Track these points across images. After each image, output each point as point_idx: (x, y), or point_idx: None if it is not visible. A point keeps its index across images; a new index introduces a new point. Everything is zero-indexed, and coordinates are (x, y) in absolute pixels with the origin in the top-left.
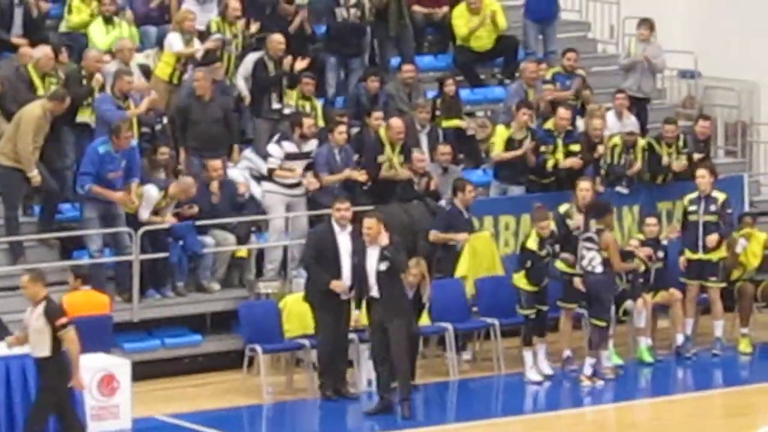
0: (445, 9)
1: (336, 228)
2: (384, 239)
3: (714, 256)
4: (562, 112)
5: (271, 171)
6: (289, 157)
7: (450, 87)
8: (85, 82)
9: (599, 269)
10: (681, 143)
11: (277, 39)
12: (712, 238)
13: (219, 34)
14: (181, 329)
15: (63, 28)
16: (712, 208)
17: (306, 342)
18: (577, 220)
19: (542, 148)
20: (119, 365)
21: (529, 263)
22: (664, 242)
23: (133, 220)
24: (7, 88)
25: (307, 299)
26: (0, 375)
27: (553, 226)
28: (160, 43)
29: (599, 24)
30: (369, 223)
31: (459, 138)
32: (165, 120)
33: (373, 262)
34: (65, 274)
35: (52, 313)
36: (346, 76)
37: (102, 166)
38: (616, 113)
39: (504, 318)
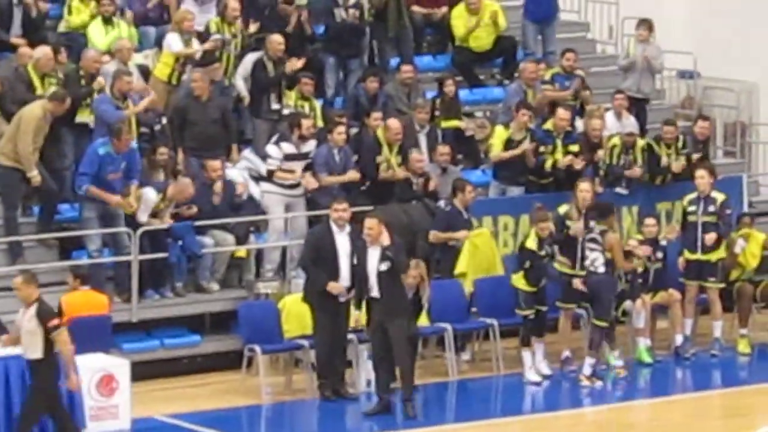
0: (444, 9)
1: (334, 228)
2: (385, 239)
3: (713, 257)
4: (562, 113)
5: (271, 172)
6: (288, 158)
7: (450, 87)
8: (83, 82)
9: (601, 269)
10: (680, 144)
11: (276, 39)
12: (711, 237)
13: (218, 35)
14: (180, 329)
15: (62, 28)
16: (711, 208)
17: (305, 342)
18: (577, 229)
19: (541, 149)
20: (118, 365)
21: (528, 264)
22: (663, 242)
23: (132, 221)
24: (7, 89)
25: (306, 300)
26: None
27: (552, 227)
28: (159, 44)
29: (598, 24)
30: (370, 223)
31: (458, 138)
32: (164, 120)
33: (374, 263)
34: (64, 274)
35: (45, 314)
36: (345, 76)
37: (102, 168)
38: (615, 114)
39: (503, 318)
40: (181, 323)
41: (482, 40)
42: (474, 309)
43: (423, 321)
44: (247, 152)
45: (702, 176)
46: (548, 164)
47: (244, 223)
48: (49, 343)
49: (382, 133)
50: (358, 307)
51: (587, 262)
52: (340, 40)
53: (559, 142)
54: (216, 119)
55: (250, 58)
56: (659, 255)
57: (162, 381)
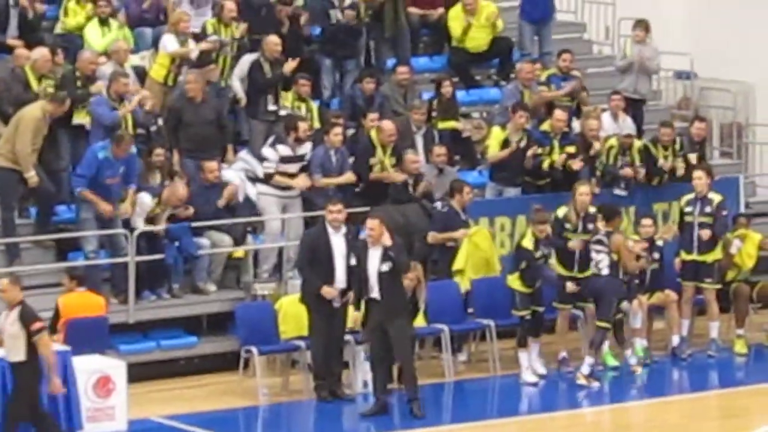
0: (441, 10)
1: (330, 230)
2: (387, 240)
3: (709, 258)
4: (559, 114)
5: (268, 176)
6: (284, 160)
7: (447, 88)
8: (79, 83)
9: (605, 271)
10: (677, 146)
11: (273, 41)
12: (706, 232)
13: (215, 36)
14: (177, 331)
15: (58, 29)
16: (708, 209)
17: (302, 343)
18: (575, 244)
19: (539, 150)
20: (115, 367)
21: (523, 264)
22: (659, 243)
23: (128, 222)
24: (3, 90)
25: (303, 301)
26: None
27: (549, 229)
28: (155, 45)
29: (594, 25)
30: (372, 224)
31: (454, 139)
32: (160, 122)
33: (375, 263)
34: (61, 275)
35: (28, 317)
36: (341, 77)
37: (100, 171)
38: (611, 114)
39: (499, 319)
40: (177, 324)
41: (478, 41)
42: (470, 310)
43: (420, 322)
44: (244, 153)
45: (699, 177)
46: (545, 164)
47: (241, 224)
48: (31, 346)
49: (375, 134)
50: (358, 307)
51: (591, 264)
52: (336, 41)
53: (556, 143)
54: (211, 120)
55: (247, 59)
56: (656, 256)
57: (159, 382)
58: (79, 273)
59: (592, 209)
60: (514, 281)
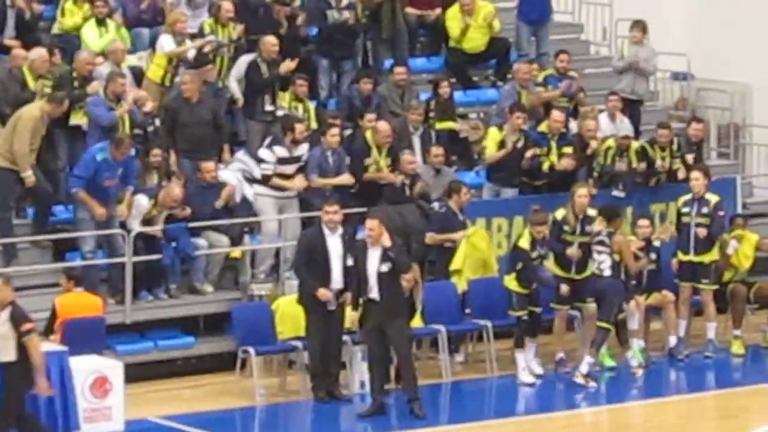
0: (438, 11)
1: (326, 231)
2: (387, 240)
3: (706, 258)
4: (556, 115)
5: (266, 177)
6: (281, 161)
7: (444, 89)
8: (76, 83)
9: (608, 272)
10: (675, 147)
11: (270, 41)
12: (702, 231)
13: (212, 36)
14: (174, 331)
15: (55, 30)
16: (705, 210)
17: (299, 344)
18: (573, 252)
19: (537, 151)
20: (112, 367)
21: (519, 265)
22: (656, 243)
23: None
24: (0, 90)
25: (300, 302)
26: None
27: (547, 231)
28: (152, 45)
29: (592, 26)
30: (371, 224)
31: (452, 140)
32: (157, 122)
33: (374, 263)
34: (58, 276)
35: (18, 318)
36: (338, 78)
37: (98, 173)
38: (609, 115)
39: (496, 320)
40: (174, 325)
41: (476, 42)
42: (468, 310)
43: (417, 322)
44: (241, 154)
45: (697, 178)
46: (545, 167)
47: (238, 225)
48: (22, 347)
49: (371, 135)
50: (356, 308)
51: (593, 265)
52: (333, 41)
53: (553, 144)
54: (207, 121)
55: (244, 59)
56: (653, 256)
57: (156, 383)
58: (76, 273)
59: (591, 211)
60: (510, 282)
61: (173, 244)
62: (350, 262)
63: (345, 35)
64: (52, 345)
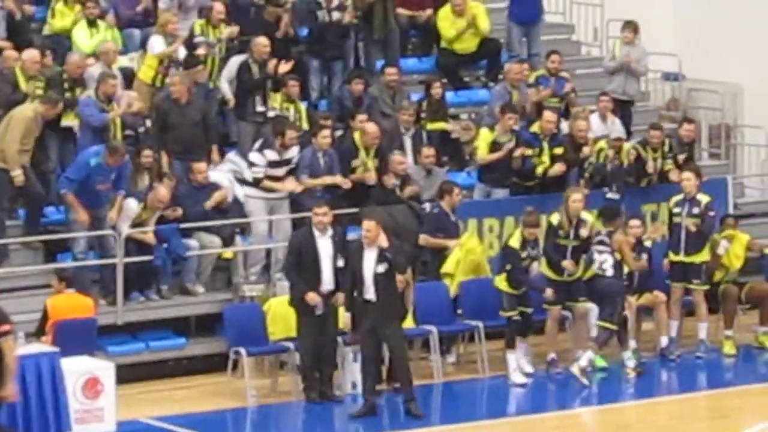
0: (429, 12)
1: (316, 232)
2: (384, 241)
3: (697, 259)
4: (549, 115)
5: (257, 180)
6: (272, 164)
7: (436, 90)
8: (66, 85)
9: (610, 272)
10: (666, 148)
11: (261, 42)
12: (691, 224)
13: (202, 37)
14: (166, 332)
15: (46, 31)
16: (695, 210)
17: (290, 345)
18: (568, 265)
19: (528, 152)
20: (103, 368)
21: (509, 266)
22: (647, 244)
23: None
24: None
25: (292, 304)
26: None
27: (541, 235)
28: (144, 46)
29: (583, 26)
30: (368, 225)
31: (443, 140)
32: (148, 123)
33: (370, 264)
34: (50, 277)
35: None
36: (328, 79)
37: (90, 177)
38: (600, 115)
39: (488, 320)
40: (166, 326)
41: (467, 43)
42: (459, 311)
43: (408, 323)
44: (232, 155)
45: (688, 178)
46: (539, 170)
47: (230, 225)
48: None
49: (359, 136)
50: (348, 309)
51: (595, 265)
52: (324, 42)
53: (545, 145)
54: (197, 122)
55: (235, 60)
56: (644, 257)
57: (147, 383)
58: (67, 274)
59: (584, 215)
60: (501, 282)
61: (165, 245)
62: (341, 263)
63: (335, 36)
64: (44, 346)
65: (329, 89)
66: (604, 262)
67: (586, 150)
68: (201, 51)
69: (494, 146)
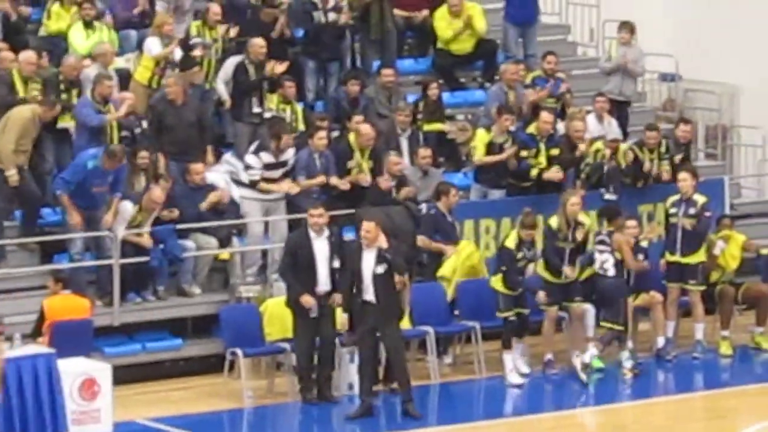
0: (425, 12)
1: (311, 234)
2: (383, 242)
3: (693, 259)
4: (546, 116)
5: (253, 183)
6: (268, 167)
7: (434, 90)
8: (62, 87)
9: (611, 272)
10: (663, 149)
11: (258, 43)
12: (688, 223)
13: (199, 39)
14: (162, 333)
15: (42, 32)
16: (692, 211)
17: (287, 346)
18: (567, 272)
19: (524, 153)
20: (100, 369)
21: (504, 267)
22: (644, 244)
23: None
24: None
25: (289, 305)
26: None
27: (537, 236)
28: (140, 47)
29: (579, 27)
30: (368, 226)
31: (440, 141)
32: (144, 124)
33: (369, 265)
34: (46, 278)
35: None
36: (325, 80)
37: (87, 179)
38: (596, 116)
39: (485, 321)
40: (162, 327)
41: (463, 44)
42: (456, 312)
43: (405, 324)
44: (229, 156)
45: (685, 179)
46: (533, 173)
47: (226, 226)
48: None
49: (354, 138)
50: (346, 309)
51: (596, 265)
52: (319, 43)
53: (542, 146)
54: (193, 122)
55: (232, 61)
56: (640, 257)
57: (144, 385)
58: (64, 275)
59: (581, 218)
60: (497, 283)
61: (161, 245)
62: (337, 263)
63: (331, 37)
64: (40, 347)
65: (325, 90)
66: (605, 261)
67: (582, 147)
68: (197, 52)
69: (491, 147)
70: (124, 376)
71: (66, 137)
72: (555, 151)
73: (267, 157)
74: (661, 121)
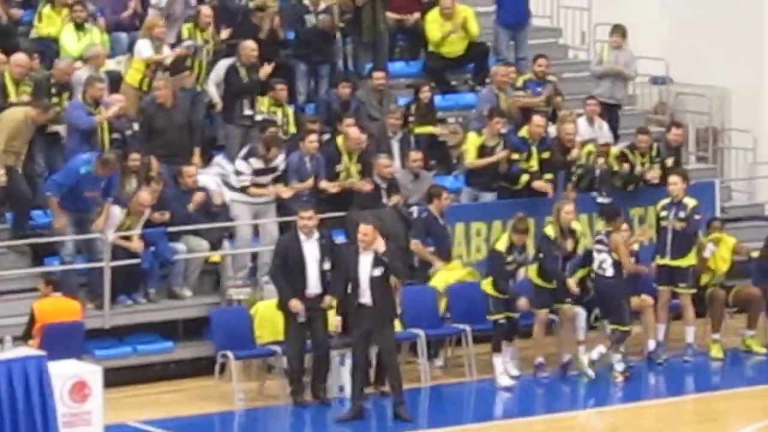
0: (417, 15)
1: (301, 236)
2: (380, 245)
3: (683, 262)
4: (538, 120)
5: (244, 188)
6: (257, 173)
7: (425, 93)
8: (53, 90)
9: (610, 272)
10: (654, 152)
11: (249, 45)
12: (678, 225)
13: (190, 41)
14: (153, 336)
15: (33, 35)
16: (682, 214)
17: (277, 348)
18: (573, 285)
19: (516, 156)
20: (91, 372)
21: (493, 270)
22: (635, 247)
23: None
24: None
25: (280, 308)
26: None
27: (529, 241)
28: (131, 50)
29: (570, 30)
30: (365, 229)
31: (431, 144)
32: (135, 126)
33: (366, 268)
34: (37, 280)
35: None
36: (316, 82)
37: (79, 184)
38: (587, 119)
39: (476, 324)
40: (153, 329)
41: (454, 46)
42: (447, 315)
43: (396, 327)
44: (220, 158)
45: (675, 182)
46: (523, 179)
47: (218, 229)
48: None
49: (342, 141)
50: (339, 312)
51: (595, 265)
52: (310, 46)
53: (534, 149)
54: (183, 125)
55: (223, 64)
56: (631, 260)
57: (135, 387)
58: (54, 278)
59: (574, 225)
60: (487, 286)
61: (152, 248)
62: (327, 265)
63: (322, 40)
64: (31, 350)
65: (316, 93)
66: (603, 261)
67: (574, 152)
68: (185, 51)
69: (482, 150)
70: (115, 378)
71: (57, 139)
72: (546, 155)
73: (257, 163)
74: (652, 125)
